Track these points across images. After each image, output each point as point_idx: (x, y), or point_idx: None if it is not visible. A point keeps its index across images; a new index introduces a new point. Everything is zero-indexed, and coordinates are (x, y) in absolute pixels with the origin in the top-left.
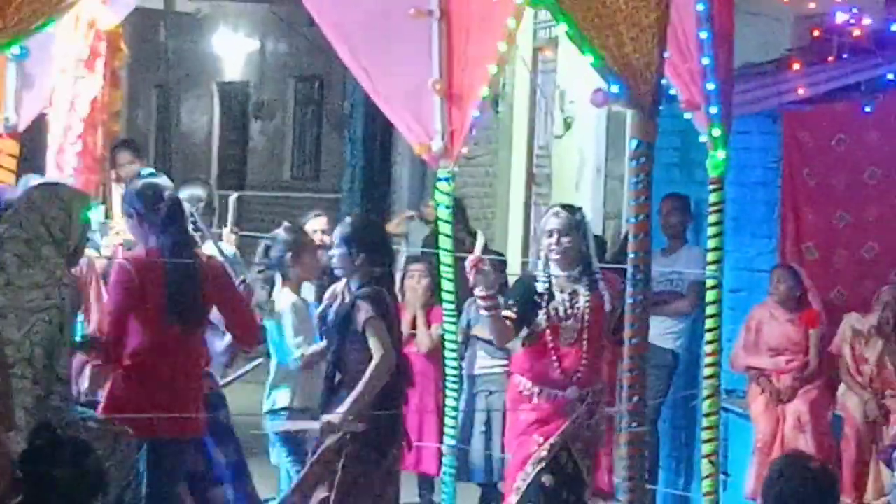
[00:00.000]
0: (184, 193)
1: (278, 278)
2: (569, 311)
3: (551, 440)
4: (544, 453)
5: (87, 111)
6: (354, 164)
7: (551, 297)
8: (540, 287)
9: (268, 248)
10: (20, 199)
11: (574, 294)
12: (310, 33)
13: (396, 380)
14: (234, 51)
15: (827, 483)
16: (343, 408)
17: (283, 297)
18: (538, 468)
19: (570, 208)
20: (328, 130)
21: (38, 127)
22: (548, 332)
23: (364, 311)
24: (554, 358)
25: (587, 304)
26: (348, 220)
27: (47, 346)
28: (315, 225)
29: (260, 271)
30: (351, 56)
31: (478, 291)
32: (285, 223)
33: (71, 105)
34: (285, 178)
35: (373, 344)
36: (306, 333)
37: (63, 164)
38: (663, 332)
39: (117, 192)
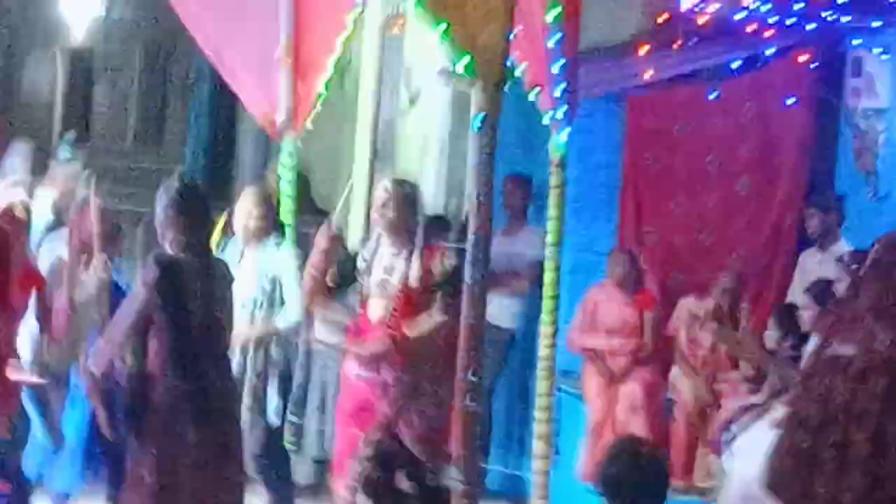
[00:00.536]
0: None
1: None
2: (381, 286)
3: (371, 435)
4: (369, 451)
5: None
6: (198, 134)
7: (369, 271)
8: (359, 261)
9: None
10: None
11: (390, 269)
12: (157, 1)
13: None
14: (78, 16)
15: (657, 467)
16: None
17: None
18: (364, 467)
19: (399, 182)
20: (173, 99)
21: None
22: (360, 308)
23: None
24: (361, 337)
25: (400, 280)
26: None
27: None
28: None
29: None
30: (196, 25)
31: (310, 259)
32: None
33: None
34: (128, 144)
35: None
36: None
37: None
38: (501, 310)
39: None
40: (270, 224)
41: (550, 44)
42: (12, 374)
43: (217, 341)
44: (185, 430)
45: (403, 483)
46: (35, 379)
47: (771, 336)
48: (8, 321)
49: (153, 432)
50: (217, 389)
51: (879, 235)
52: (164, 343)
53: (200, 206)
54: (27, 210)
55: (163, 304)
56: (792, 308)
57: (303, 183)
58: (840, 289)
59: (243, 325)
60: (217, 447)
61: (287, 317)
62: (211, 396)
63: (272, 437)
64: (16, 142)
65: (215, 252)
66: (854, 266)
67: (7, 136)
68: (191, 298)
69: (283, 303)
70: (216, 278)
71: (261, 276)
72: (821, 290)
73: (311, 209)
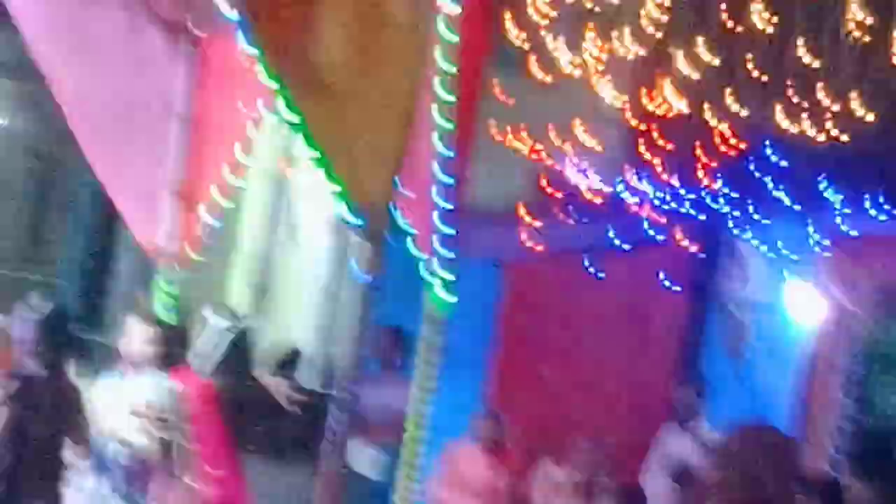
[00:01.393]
0: None
1: None
2: None
3: None
4: None
5: None
6: (75, 249)
7: None
8: None
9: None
10: None
11: None
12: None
13: None
14: None
15: None
16: None
17: None
18: None
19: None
20: (56, 212)
21: None
22: None
23: None
24: None
25: None
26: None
27: None
28: None
29: None
30: (90, 143)
31: None
32: None
33: None
34: (4, 254)
35: None
36: None
37: None
38: (365, 458)
39: None
40: (160, 355)
41: (434, 199)
42: None
43: (55, 457)
44: None
45: None
46: None
47: None
48: None
49: None
50: None
51: (740, 420)
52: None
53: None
54: None
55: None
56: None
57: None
58: (699, 471)
59: None
60: None
61: None
62: None
63: None
64: None
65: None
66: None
67: None
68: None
69: None
70: (68, 398)
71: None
72: (680, 473)
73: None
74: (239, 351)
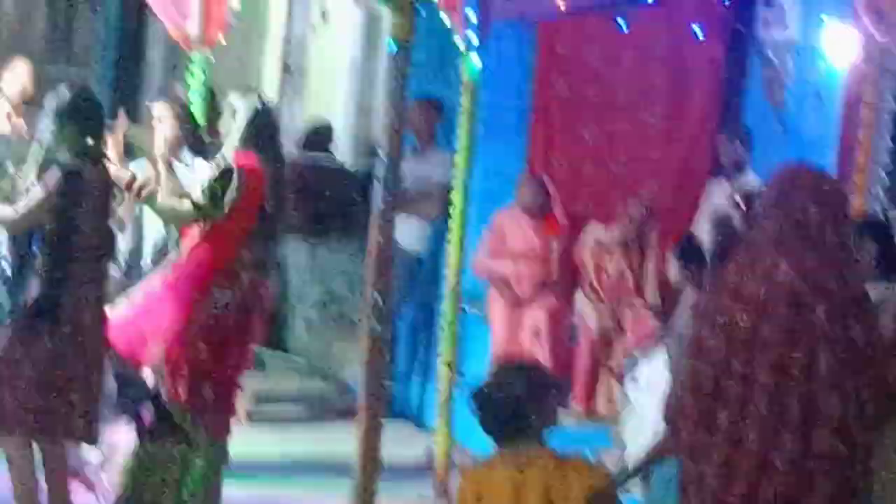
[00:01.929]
0: None
1: None
2: None
3: None
4: None
5: None
6: (106, 41)
7: None
8: None
9: None
10: None
11: None
12: None
13: None
14: None
15: (535, 383)
16: None
17: None
18: None
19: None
20: (82, 6)
21: None
22: None
23: None
24: None
25: None
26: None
27: None
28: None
29: None
30: None
31: None
32: None
33: None
34: (36, 52)
35: None
36: None
37: None
38: (408, 232)
39: None
40: (187, 138)
41: None
42: None
43: (102, 253)
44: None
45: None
46: None
47: (673, 266)
48: None
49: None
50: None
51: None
52: (49, 245)
53: (97, 113)
54: None
55: (59, 210)
56: (693, 238)
57: (212, 98)
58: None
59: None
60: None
61: None
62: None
63: None
64: None
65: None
66: (748, 201)
67: None
68: (85, 206)
69: None
70: (110, 187)
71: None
72: (721, 221)
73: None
74: (263, 128)
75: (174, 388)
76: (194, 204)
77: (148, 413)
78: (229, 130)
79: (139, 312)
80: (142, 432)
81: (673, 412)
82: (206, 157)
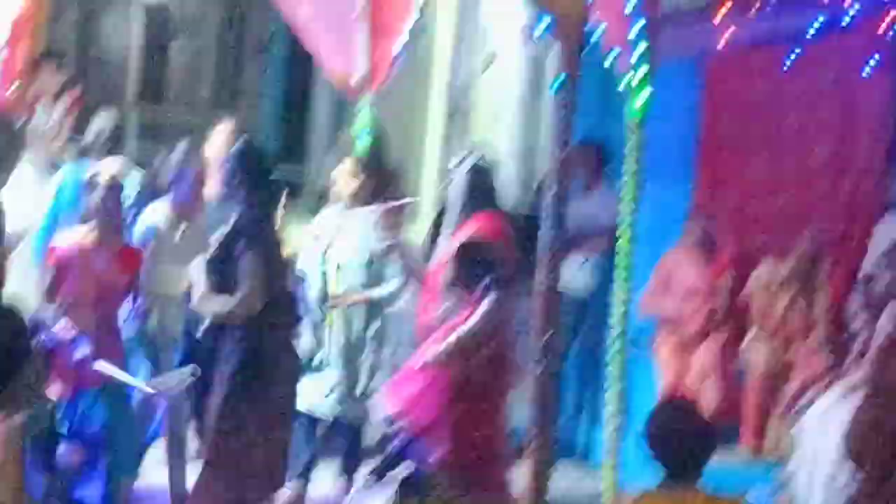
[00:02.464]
0: (93, 126)
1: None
2: None
3: None
4: None
5: (10, 26)
6: (273, 91)
7: None
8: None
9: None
10: None
11: None
12: None
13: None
14: None
15: (698, 428)
16: None
17: (157, 213)
18: None
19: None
20: (249, 54)
21: None
22: None
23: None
24: None
25: None
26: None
27: None
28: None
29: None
30: None
31: None
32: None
33: None
34: (203, 100)
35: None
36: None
37: None
38: (575, 273)
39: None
40: (373, 190)
41: (629, 6)
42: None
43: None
44: None
45: None
46: None
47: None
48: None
49: None
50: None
51: None
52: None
53: (263, 166)
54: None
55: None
56: (870, 279)
57: (377, 145)
58: None
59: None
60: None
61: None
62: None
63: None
64: (102, 111)
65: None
66: None
67: (85, 101)
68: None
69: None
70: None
71: (362, 241)
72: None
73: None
74: (485, 187)
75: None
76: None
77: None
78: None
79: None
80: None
81: (855, 452)
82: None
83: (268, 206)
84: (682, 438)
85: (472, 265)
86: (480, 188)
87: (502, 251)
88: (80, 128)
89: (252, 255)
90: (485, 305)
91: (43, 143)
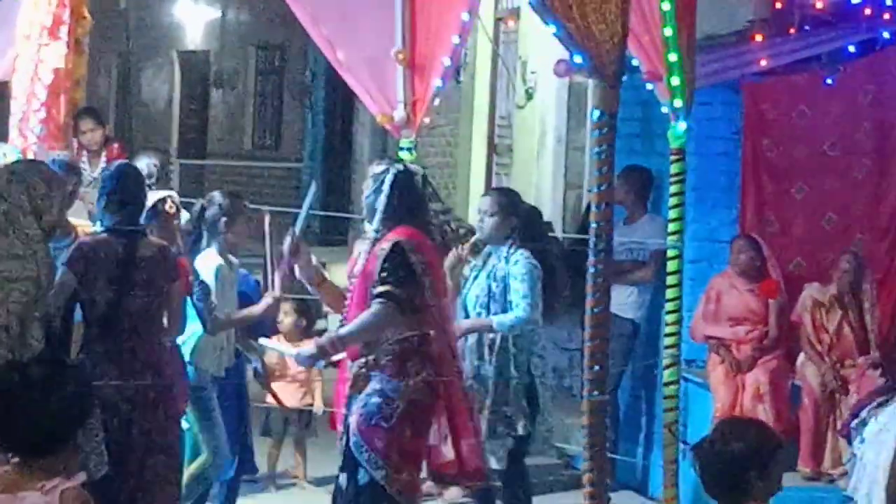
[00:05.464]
0: (138, 164)
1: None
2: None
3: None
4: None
5: (51, 79)
6: (315, 134)
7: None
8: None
9: (202, 210)
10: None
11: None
12: (271, 1)
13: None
14: (194, 19)
15: (760, 441)
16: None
17: (209, 260)
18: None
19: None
20: (289, 99)
21: (1, 95)
22: None
23: None
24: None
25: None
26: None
27: (21, 315)
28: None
29: (191, 232)
30: (313, 25)
31: None
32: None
33: (34, 73)
34: (246, 147)
35: None
36: (227, 298)
37: (26, 131)
38: (624, 301)
39: (81, 160)
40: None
41: (667, 33)
42: None
43: None
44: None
45: None
46: None
47: None
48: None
49: None
50: None
51: None
52: None
53: None
54: (177, 206)
55: None
56: None
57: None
58: None
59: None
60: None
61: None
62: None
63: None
64: (141, 155)
65: None
66: None
67: (129, 148)
68: None
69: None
70: None
71: (489, 277)
72: None
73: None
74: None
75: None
76: None
77: None
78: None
79: None
80: None
81: None
82: None
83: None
84: (741, 455)
85: (382, 273)
86: (404, 201)
87: (416, 266)
88: None
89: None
90: (365, 315)
91: (87, 198)
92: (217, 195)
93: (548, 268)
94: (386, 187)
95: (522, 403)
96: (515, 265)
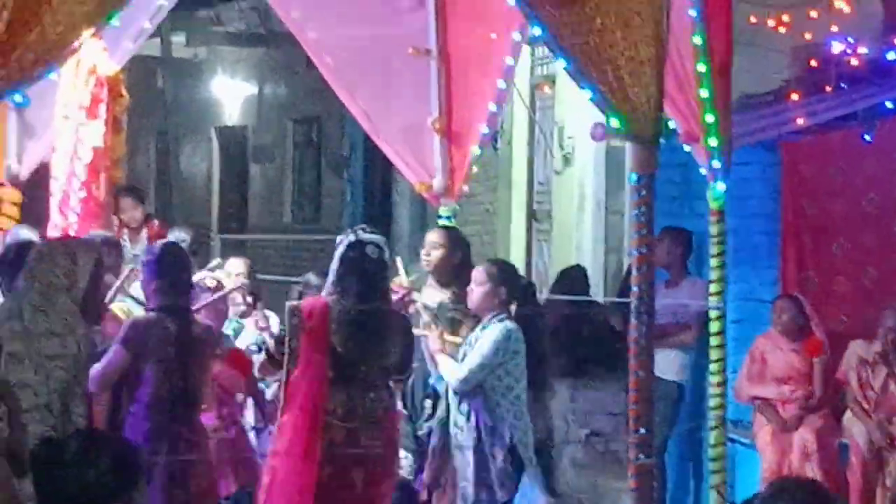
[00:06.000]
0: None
1: None
2: None
3: None
4: None
5: (90, 158)
6: (354, 205)
7: None
8: None
9: (300, 294)
10: (31, 253)
11: None
12: (307, 75)
13: None
14: (231, 95)
15: (814, 500)
16: None
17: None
18: None
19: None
20: (327, 172)
21: (41, 175)
22: None
23: None
24: None
25: None
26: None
27: (63, 392)
28: (234, 267)
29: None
30: (349, 97)
31: None
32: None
33: (73, 152)
34: (286, 220)
35: None
36: None
37: (66, 211)
38: (668, 364)
39: (122, 237)
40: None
41: (703, 94)
42: None
43: None
44: None
45: None
46: None
47: None
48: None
49: None
50: None
51: None
52: None
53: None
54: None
55: None
56: None
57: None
58: None
59: None
60: None
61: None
62: None
63: None
64: (173, 231)
65: None
66: None
67: (169, 224)
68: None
69: None
70: None
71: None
72: None
73: None
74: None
75: None
76: None
77: None
78: None
79: None
80: None
81: None
82: None
83: None
84: None
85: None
86: (353, 267)
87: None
88: None
89: None
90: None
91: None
92: (311, 276)
93: (534, 338)
94: (336, 256)
95: (508, 469)
96: (485, 329)
